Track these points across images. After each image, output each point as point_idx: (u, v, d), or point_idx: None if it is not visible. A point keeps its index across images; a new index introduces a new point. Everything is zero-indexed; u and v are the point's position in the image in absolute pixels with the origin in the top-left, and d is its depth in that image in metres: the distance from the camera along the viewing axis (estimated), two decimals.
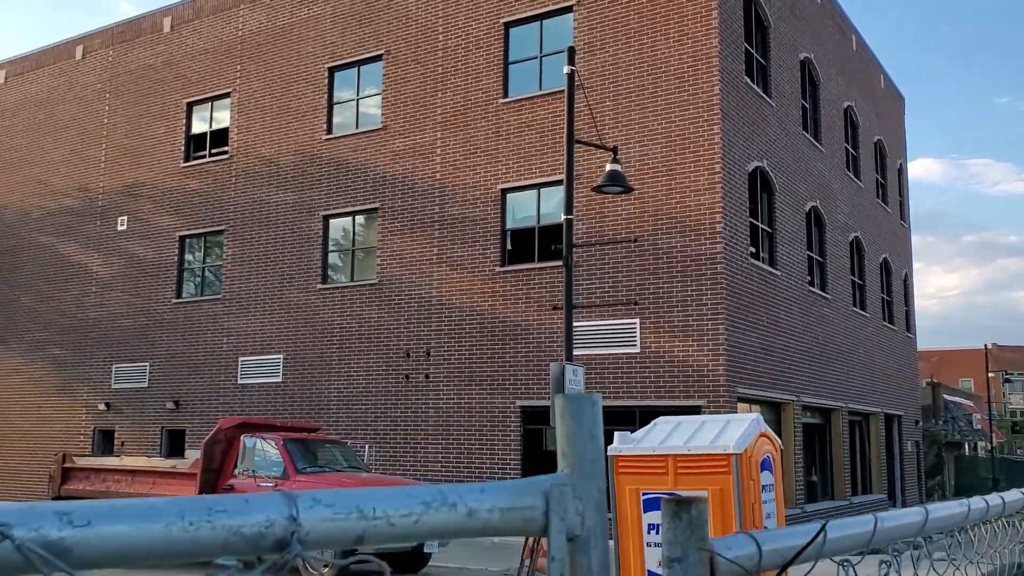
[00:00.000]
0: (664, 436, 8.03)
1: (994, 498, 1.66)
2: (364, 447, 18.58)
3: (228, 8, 26.89)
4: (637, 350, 19.23)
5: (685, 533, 1.13)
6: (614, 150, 12.54)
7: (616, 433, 8.22)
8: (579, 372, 10.78)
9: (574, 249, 20.93)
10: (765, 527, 7.67)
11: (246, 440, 13.24)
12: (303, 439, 13.89)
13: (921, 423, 34.08)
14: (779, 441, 8.32)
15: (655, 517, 7.74)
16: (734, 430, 7.73)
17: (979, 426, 40.64)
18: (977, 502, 1.53)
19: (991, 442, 38.78)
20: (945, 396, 39.63)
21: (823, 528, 1.23)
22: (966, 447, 39.50)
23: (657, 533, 7.85)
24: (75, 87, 30.11)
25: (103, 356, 27.36)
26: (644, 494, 7.82)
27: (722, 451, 7.53)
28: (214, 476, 13.30)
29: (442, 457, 21.28)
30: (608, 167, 11.91)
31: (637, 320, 19.25)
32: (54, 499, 15.16)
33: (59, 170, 29.82)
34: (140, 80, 28.48)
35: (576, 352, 20.03)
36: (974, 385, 58.33)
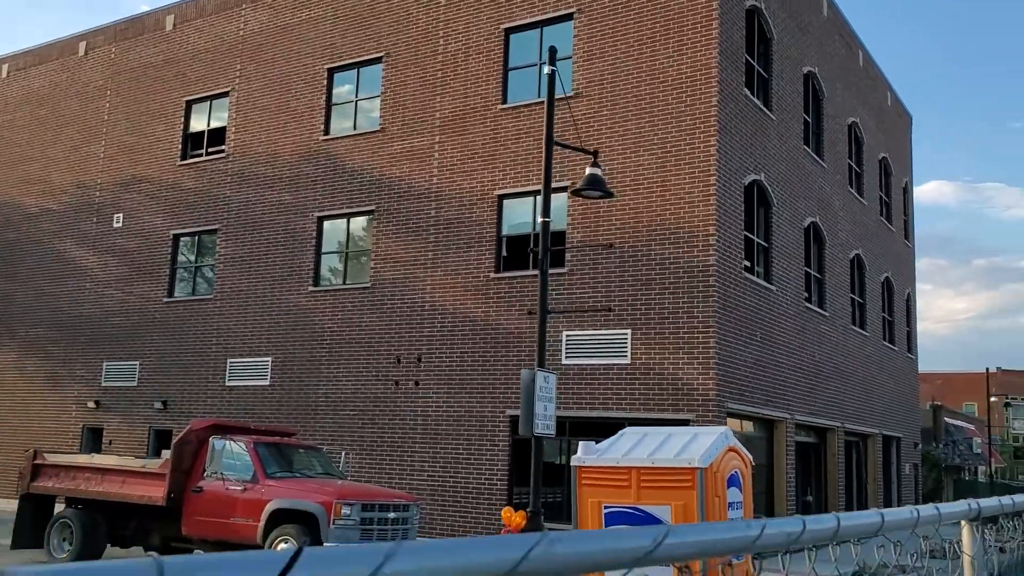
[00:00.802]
0: (629, 447, 7.73)
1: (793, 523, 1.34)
2: (342, 454, 18.29)
3: (230, 7, 26.78)
4: (628, 361, 18.92)
5: None
6: (595, 153, 12.27)
7: (580, 443, 7.93)
8: (551, 379, 10.47)
9: (568, 259, 20.81)
10: None
11: (215, 442, 12.97)
12: (276, 443, 13.62)
13: (921, 445, 33.61)
14: (750, 457, 8.01)
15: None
16: (701, 443, 7.42)
17: (980, 450, 40.09)
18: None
19: (990, 467, 38.27)
20: (946, 419, 39.12)
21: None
22: (966, 471, 38.98)
23: None
24: (77, 83, 30.04)
25: (95, 353, 27.18)
26: (606, 507, 7.52)
27: (686, 465, 7.24)
28: (183, 477, 13.03)
29: (429, 466, 20.98)
30: (588, 170, 11.62)
31: (629, 331, 18.96)
32: (23, 497, 14.92)
33: (59, 166, 29.71)
34: (141, 77, 28.38)
35: (567, 361, 19.81)
36: (978, 409, 57.74)
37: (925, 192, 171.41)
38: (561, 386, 19.57)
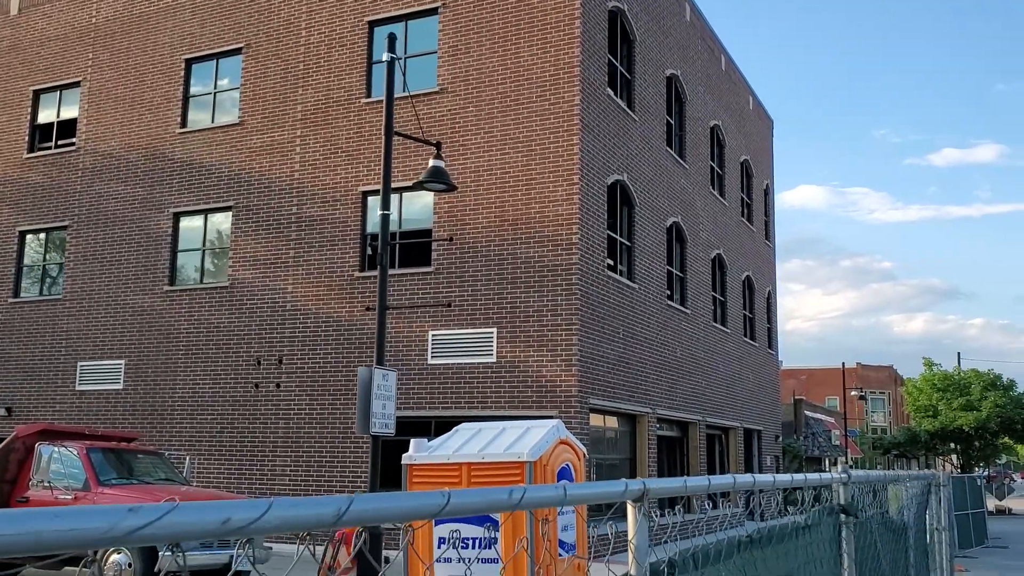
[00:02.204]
0: (461, 443, 7.58)
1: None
2: (186, 459, 17.56)
3: None
4: (493, 360, 18.85)
5: None
6: (437, 145, 12.10)
7: (412, 441, 7.73)
8: (391, 377, 10.22)
9: (435, 258, 20.58)
10: (560, 540, 7.30)
11: (42, 449, 12.17)
12: (112, 448, 12.89)
13: (781, 438, 34.86)
14: (583, 449, 7.98)
15: (446, 530, 7.28)
16: (531, 437, 7.34)
17: (838, 442, 41.96)
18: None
19: (847, 458, 40.12)
20: (807, 413, 40.75)
21: None
22: (825, 462, 40.73)
23: (451, 547, 7.39)
24: None
25: None
26: None
27: (515, 459, 7.14)
28: (8, 487, 12.18)
29: (291, 470, 20.39)
30: (431, 163, 11.43)
31: (494, 330, 18.89)
32: None
33: None
34: None
35: (433, 361, 19.58)
36: (840, 403, 60.41)
37: (794, 196, 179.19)
38: (427, 386, 19.36)
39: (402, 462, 7.61)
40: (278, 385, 20.78)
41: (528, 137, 19.17)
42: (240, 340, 21.30)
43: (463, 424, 8.15)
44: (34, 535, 0.79)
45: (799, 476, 3.02)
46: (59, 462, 12.00)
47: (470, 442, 7.54)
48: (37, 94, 25.77)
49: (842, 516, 3.57)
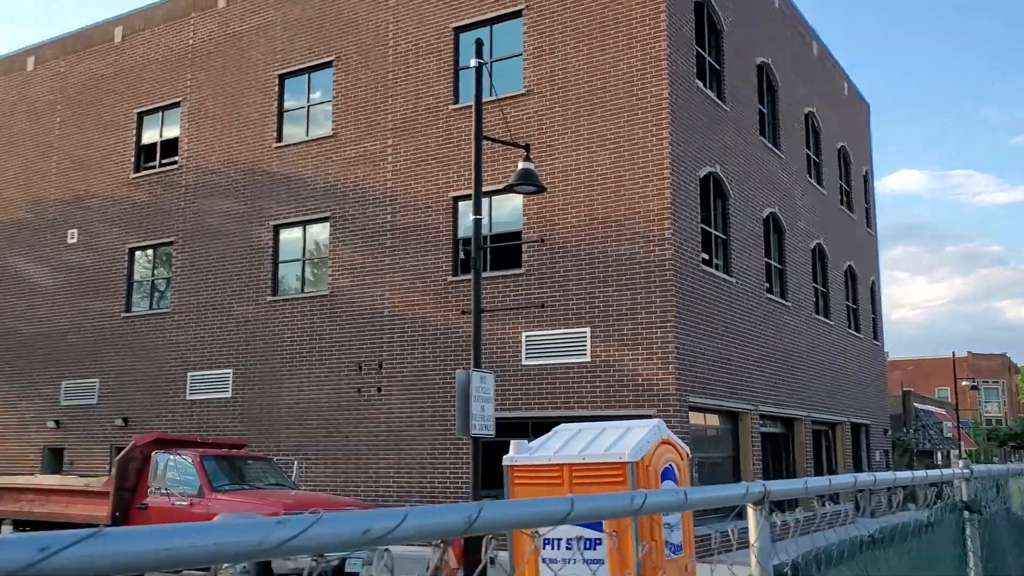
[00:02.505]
0: (561, 444, 7.57)
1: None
2: (293, 464, 18.04)
3: (179, 17, 26.45)
4: (588, 359, 18.78)
5: None
6: (526, 148, 12.12)
7: (512, 442, 7.76)
8: (488, 379, 10.29)
9: (525, 259, 20.65)
10: (666, 541, 7.22)
11: (158, 457, 12.70)
12: (224, 455, 13.35)
13: (890, 432, 33.72)
14: (686, 448, 7.87)
15: (551, 531, 7.29)
16: (632, 437, 7.28)
17: (950, 434, 40.34)
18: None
19: (961, 450, 38.51)
20: (916, 405, 39.30)
21: None
22: (937, 456, 39.20)
23: (553, 548, 7.40)
24: (27, 99, 29.57)
25: (52, 372, 26.72)
26: None
27: (617, 459, 7.09)
28: (128, 495, 12.75)
29: (394, 473, 20.75)
30: (520, 165, 11.46)
31: (587, 329, 18.83)
32: None
33: (12, 183, 29.24)
34: (91, 91, 27.98)
35: (527, 362, 19.65)
36: (950, 394, 58.14)
37: (894, 181, 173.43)
38: (522, 387, 19.42)
39: (503, 463, 7.66)
40: (379, 390, 21.16)
41: (616, 134, 19.04)
42: (341, 347, 21.78)
43: (562, 425, 8.15)
44: (189, 550, 0.83)
45: (920, 473, 2.91)
46: (174, 469, 12.49)
47: (570, 443, 7.53)
48: (141, 116, 26.90)
49: (965, 513, 3.44)
